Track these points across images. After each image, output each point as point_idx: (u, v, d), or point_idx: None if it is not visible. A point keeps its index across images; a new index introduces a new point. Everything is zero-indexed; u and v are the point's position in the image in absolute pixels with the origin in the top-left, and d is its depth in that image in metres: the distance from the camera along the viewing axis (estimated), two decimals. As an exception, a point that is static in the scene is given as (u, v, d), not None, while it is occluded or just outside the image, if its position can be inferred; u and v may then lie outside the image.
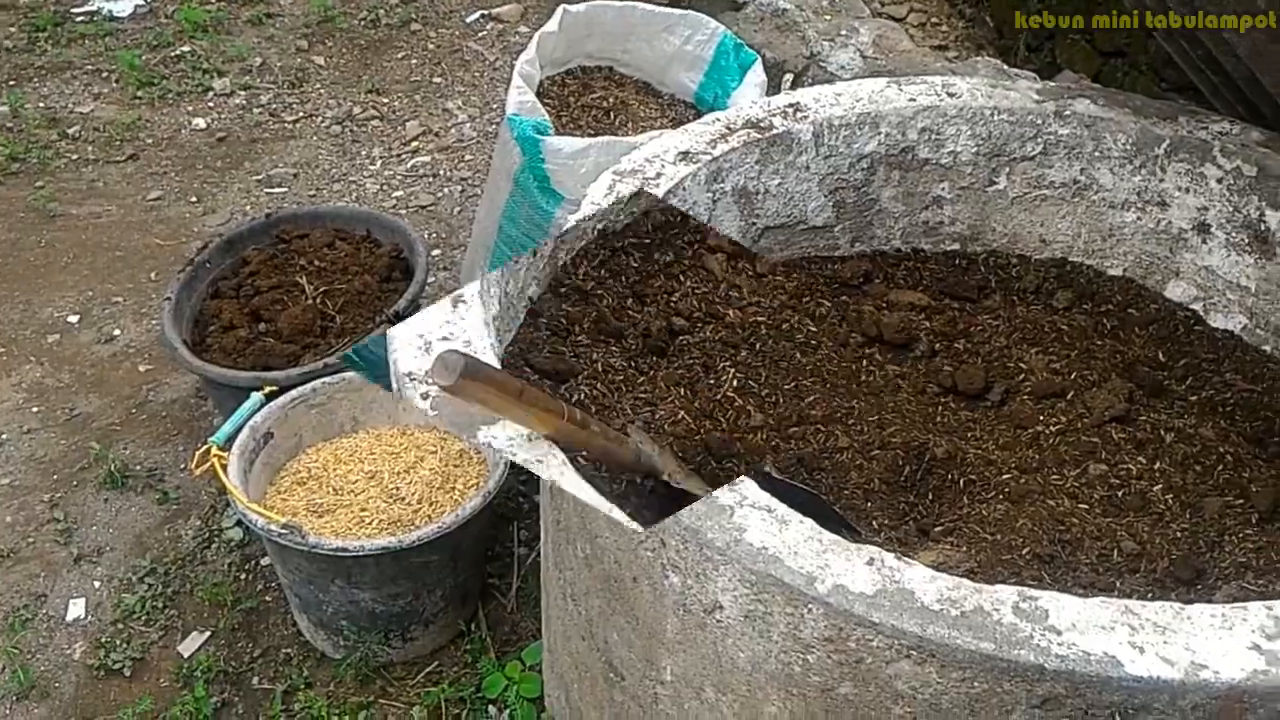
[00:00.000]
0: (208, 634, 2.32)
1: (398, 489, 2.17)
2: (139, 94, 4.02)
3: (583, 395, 1.66)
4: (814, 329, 1.91)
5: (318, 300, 2.48)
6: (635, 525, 1.31)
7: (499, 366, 1.38)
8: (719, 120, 2.13)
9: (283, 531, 1.99)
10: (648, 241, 1.95)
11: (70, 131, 3.88)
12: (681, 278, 1.95)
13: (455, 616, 2.25)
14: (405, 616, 2.15)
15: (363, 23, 4.41)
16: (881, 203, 2.25)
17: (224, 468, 2.11)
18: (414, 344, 1.40)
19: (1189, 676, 1.21)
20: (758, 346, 1.86)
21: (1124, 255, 2.23)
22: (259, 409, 2.24)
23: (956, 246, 2.31)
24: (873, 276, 2.25)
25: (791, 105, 2.17)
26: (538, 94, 2.36)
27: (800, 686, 1.37)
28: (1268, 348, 2.08)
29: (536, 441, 1.32)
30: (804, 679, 1.36)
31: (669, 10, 2.50)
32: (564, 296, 1.79)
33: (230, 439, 2.19)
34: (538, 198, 2.24)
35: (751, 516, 1.38)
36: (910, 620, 1.26)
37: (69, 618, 2.37)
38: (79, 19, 4.49)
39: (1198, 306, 2.16)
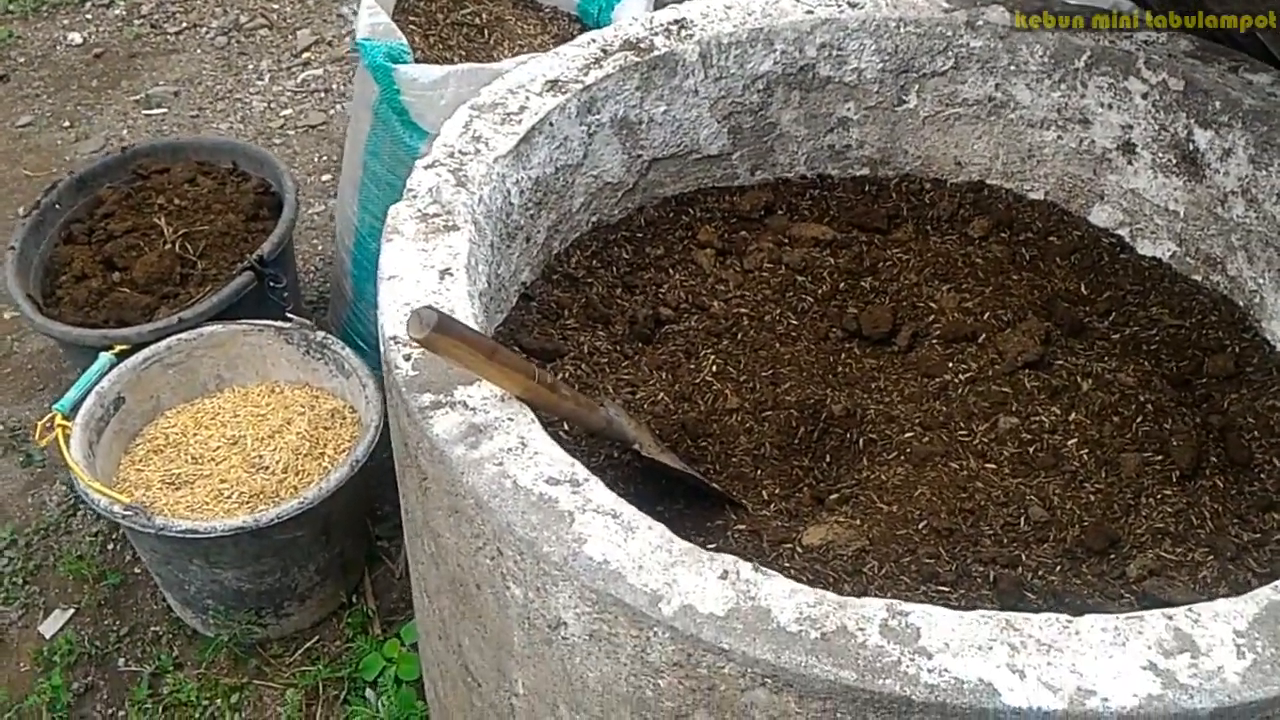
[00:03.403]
0: (71, 611, 2.16)
1: (261, 457, 2.00)
2: (11, 7, 3.71)
3: (567, 374, 1.70)
4: (795, 322, 1.86)
5: (177, 244, 2.27)
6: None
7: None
8: (594, 41, 1.92)
9: (126, 513, 1.82)
10: (640, 235, 1.98)
11: (-66, 51, 3.60)
12: (670, 270, 1.93)
13: (336, 588, 2.10)
14: (276, 593, 2.00)
15: (254, -82, 4.08)
16: (782, 126, 2.06)
17: (67, 439, 1.93)
18: (400, 311, 1.44)
19: (1074, 706, 1.07)
20: (739, 336, 1.83)
21: (1045, 178, 2.05)
22: (107, 371, 2.05)
23: (866, 171, 2.13)
24: (775, 208, 2.07)
25: (676, 22, 1.96)
26: (401, 10, 2.13)
27: (653, 711, 1.22)
28: (1197, 277, 1.92)
29: (509, 401, 1.34)
30: (657, 704, 1.21)
31: (544, -86, 2.25)
32: (556, 283, 1.86)
33: (77, 405, 2.01)
34: (399, 131, 2.02)
35: (594, 524, 1.22)
36: (764, 646, 1.11)
37: (-78, 598, 2.21)
38: (-55, -77, 4.15)
39: (1124, 232, 2.00)
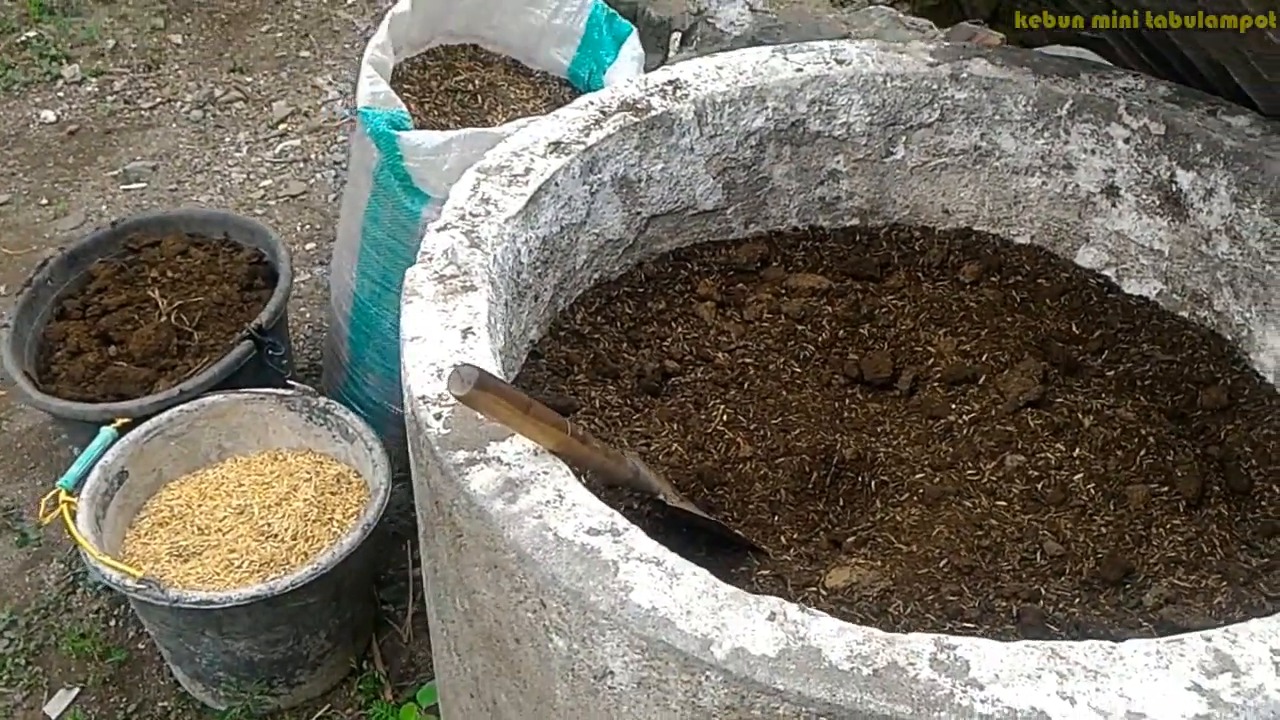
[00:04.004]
0: (76, 690, 2.13)
1: (269, 525, 1.99)
2: (-20, 86, 3.73)
3: (582, 429, 1.66)
4: (799, 370, 1.89)
5: (172, 316, 2.27)
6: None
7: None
8: (593, 104, 1.96)
9: (140, 586, 1.81)
10: (641, 290, 2.01)
11: (-92, 132, 3.59)
12: (673, 324, 1.96)
13: (345, 655, 2.09)
14: (288, 662, 1.99)
15: (223, -6, 4.14)
16: (774, 181, 2.10)
17: (74, 515, 1.92)
18: (427, 370, 1.46)
19: (1126, 730, 1.09)
20: (746, 386, 1.85)
21: (1031, 222, 2.11)
22: (110, 445, 2.04)
23: (856, 222, 2.18)
24: (770, 260, 2.11)
25: (670, 83, 2.00)
26: (396, 79, 2.16)
27: (704, 757, 1.23)
28: (1185, 313, 1.98)
29: (542, 455, 1.36)
30: (707, 749, 1.22)
31: (534, -19, 2.30)
32: (563, 340, 1.88)
33: (80, 480, 2.00)
34: (401, 197, 2.05)
35: (639, 572, 1.24)
36: (818, 685, 1.13)
37: (-79, 683, 2.17)
38: (-88, 7, 4.16)
39: (1110, 273, 2.06)
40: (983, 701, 1.11)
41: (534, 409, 1.31)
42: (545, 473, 1.34)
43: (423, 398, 1.43)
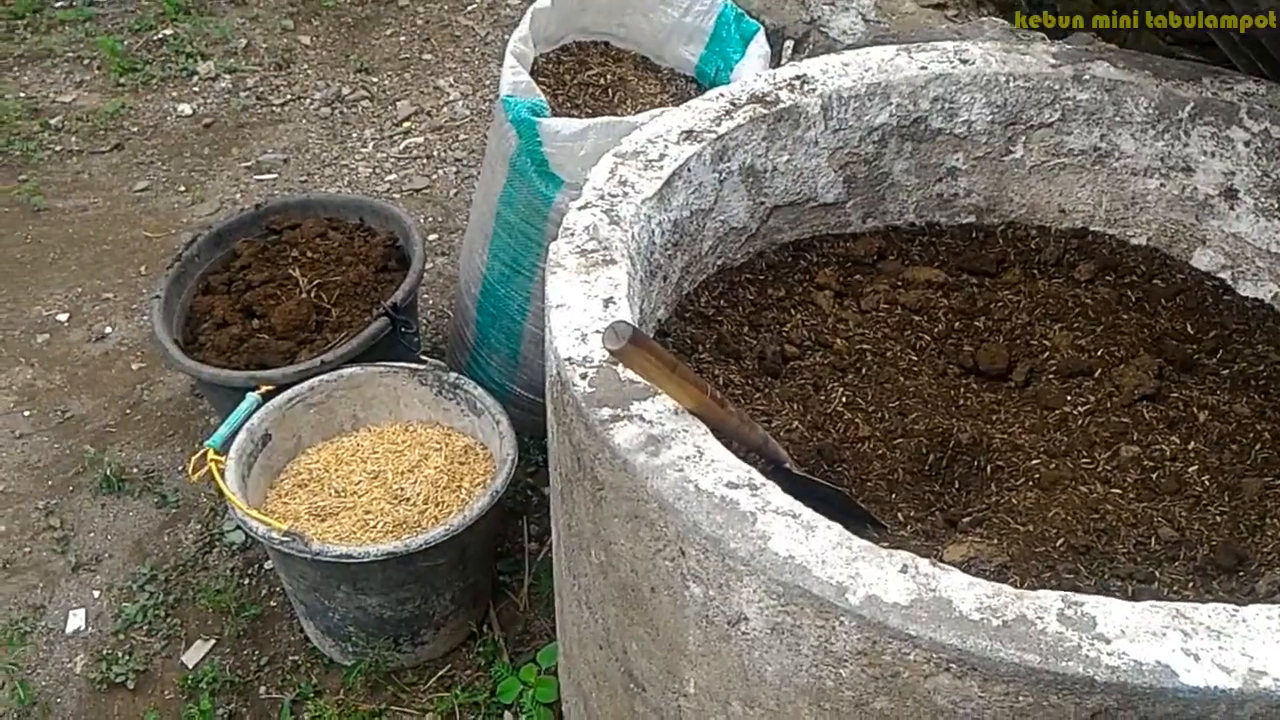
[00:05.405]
0: (212, 642, 2.25)
1: (402, 489, 2.09)
2: (122, 80, 3.93)
3: (720, 394, 1.80)
4: (915, 358, 1.95)
5: (312, 294, 2.40)
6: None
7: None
8: (723, 96, 2.04)
9: (285, 539, 1.92)
10: (762, 277, 2.09)
11: (53, 122, 3.80)
12: (792, 311, 2.03)
13: (466, 618, 2.19)
14: (415, 621, 2.08)
15: (349, -1, 4.31)
16: (894, 176, 2.16)
17: (221, 472, 2.04)
18: (572, 335, 1.55)
19: (1248, 685, 1.13)
20: (864, 371, 1.92)
21: (1147, 224, 2.14)
22: (256, 409, 2.16)
23: (973, 219, 2.23)
24: (887, 253, 2.17)
25: (798, 77, 2.08)
26: (532, 72, 2.27)
27: (833, 700, 1.30)
28: (1300, 316, 2.00)
29: (681, 414, 1.43)
30: (836, 693, 1.29)
31: (666, -19, 2.40)
32: (688, 320, 1.97)
33: (227, 441, 2.12)
34: (536, 182, 2.15)
35: (775, 523, 1.31)
36: (949, 632, 1.19)
37: (69, 629, 2.31)
38: (58, 5, 4.39)
39: (1226, 275, 2.08)
40: (1109, 654, 1.16)
41: (679, 369, 1.39)
42: (685, 430, 1.42)
43: (568, 359, 1.52)
